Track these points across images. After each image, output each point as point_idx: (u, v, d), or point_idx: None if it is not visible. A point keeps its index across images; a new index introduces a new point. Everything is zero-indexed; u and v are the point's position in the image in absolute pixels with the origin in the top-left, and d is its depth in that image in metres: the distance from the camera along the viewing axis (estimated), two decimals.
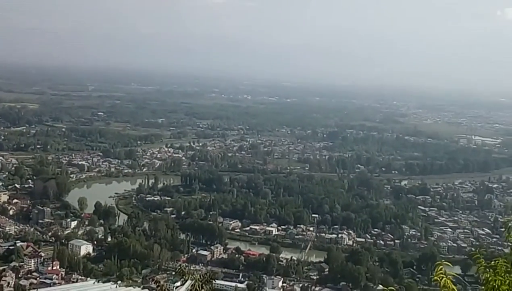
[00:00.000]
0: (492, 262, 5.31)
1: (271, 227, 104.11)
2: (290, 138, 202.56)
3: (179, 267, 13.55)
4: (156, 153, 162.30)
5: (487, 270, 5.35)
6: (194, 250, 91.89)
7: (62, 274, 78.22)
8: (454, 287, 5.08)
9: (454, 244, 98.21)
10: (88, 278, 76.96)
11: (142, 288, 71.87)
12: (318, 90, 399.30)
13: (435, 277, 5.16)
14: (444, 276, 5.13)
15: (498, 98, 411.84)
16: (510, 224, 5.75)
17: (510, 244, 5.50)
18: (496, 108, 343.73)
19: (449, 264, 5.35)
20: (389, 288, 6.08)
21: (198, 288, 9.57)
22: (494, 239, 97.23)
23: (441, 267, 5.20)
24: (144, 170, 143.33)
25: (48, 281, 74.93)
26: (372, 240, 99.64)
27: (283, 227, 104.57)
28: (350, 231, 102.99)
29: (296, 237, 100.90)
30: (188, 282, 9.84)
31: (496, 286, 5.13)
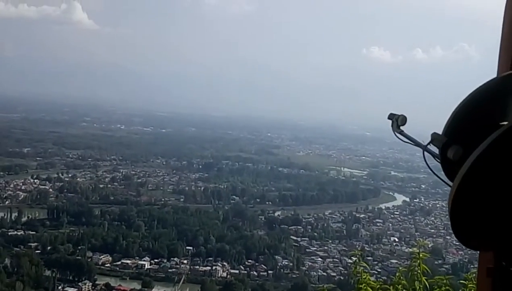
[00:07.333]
0: None
1: (144, 260, 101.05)
2: (165, 169, 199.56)
3: None
4: (21, 184, 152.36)
5: None
6: (60, 287, 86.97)
7: None
8: None
9: (324, 273, 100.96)
10: None
11: None
12: (193, 121, 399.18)
13: None
14: None
15: (364, 132, 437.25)
16: (355, 258, 5.49)
17: (353, 278, 5.23)
18: (362, 141, 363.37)
19: None
20: None
21: None
22: (362, 268, 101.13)
23: None
24: (7, 202, 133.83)
25: None
26: (246, 271, 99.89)
27: (156, 260, 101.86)
28: (225, 263, 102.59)
29: (169, 270, 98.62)
30: None
31: None
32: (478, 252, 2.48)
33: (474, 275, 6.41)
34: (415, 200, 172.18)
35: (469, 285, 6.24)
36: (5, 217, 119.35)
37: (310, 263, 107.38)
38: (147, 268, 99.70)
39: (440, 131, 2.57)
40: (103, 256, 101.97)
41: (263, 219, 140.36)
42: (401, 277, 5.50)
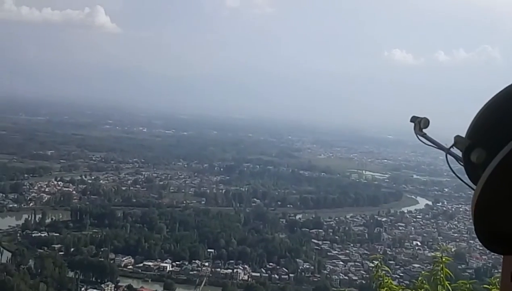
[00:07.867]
0: None
1: (165, 263, 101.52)
2: (186, 172, 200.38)
3: None
4: (45, 186, 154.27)
5: None
6: (83, 289, 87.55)
7: None
8: None
9: (346, 277, 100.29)
10: None
11: None
12: (214, 124, 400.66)
13: None
14: None
15: (386, 135, 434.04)
16: (377, 262, 5.51)
17: (375, 282, 5.26)
18: (384, 144, 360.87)
19: None
20: None
21: None
22: (383, 272, 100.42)
23: None
24: (31, 204, 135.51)
25: None
26: (267, 274, 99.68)
27: (177, 262, 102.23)
28: (246, 266, 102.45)
29: (191, 272, 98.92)
30: None
31: None
32: (502, 256, 2.53)
33: (498, 279, 6.36)
34: (438, 204, 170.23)
35: (493, 290, 6.19)
36: (29, 218, 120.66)
37: (331, 267, 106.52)
38: (168, 270, 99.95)
39: (463, 135, 2.60)
40: (126, 258, 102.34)
41: (284, 222, 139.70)
42: (424, 282, 5.49)
